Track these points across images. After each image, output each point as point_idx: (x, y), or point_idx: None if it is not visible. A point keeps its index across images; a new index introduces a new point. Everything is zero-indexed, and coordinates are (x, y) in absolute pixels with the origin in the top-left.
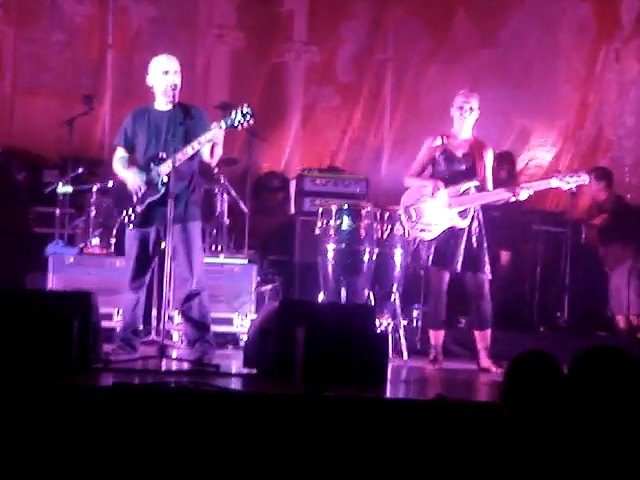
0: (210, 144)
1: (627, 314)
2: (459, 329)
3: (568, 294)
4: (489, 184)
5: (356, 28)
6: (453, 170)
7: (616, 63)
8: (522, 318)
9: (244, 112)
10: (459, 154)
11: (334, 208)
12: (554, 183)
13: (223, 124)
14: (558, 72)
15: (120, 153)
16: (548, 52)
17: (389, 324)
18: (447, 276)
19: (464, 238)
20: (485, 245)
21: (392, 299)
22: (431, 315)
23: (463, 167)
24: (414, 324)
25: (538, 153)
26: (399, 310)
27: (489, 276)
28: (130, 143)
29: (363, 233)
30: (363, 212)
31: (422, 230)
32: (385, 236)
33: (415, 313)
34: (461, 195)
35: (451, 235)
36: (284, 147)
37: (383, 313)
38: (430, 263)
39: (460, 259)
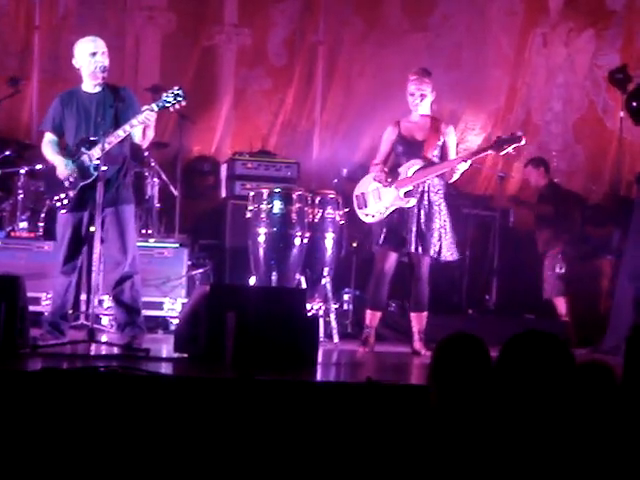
0: (142, 126)
1: (553, 297)
2: (389, 313)
3: (496, 277)
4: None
5: (287, 10)
6: (410, 153)
7: (544, 48)
8: (451, 301)
9: (175, 94)
10: (416, 137)
11: (265, 192)
12: (490, 150)
13: (155, 106)
14: (488, 57)
15: (49, 137)
16: (478, 37)
17: (320, 308)
18: (394, 257)
19: (414, 218)
20: (434, 224)
21: (323, 283)
22: (372, 295)
23: (418, 148)
24: (345, 308)
25: (467, 137)
26: (330, 294)
27: (434, 256)
28: (59, 128)
29: (294, 217)
30: (294, 196)
31: (372, 215)
32: (316, 220)
33: (346, 297)
34: (408, 176)
35: (400, 215)
36: (215, 130)
37: (314, 297)
38: (381, 242)
39: (409, 238)
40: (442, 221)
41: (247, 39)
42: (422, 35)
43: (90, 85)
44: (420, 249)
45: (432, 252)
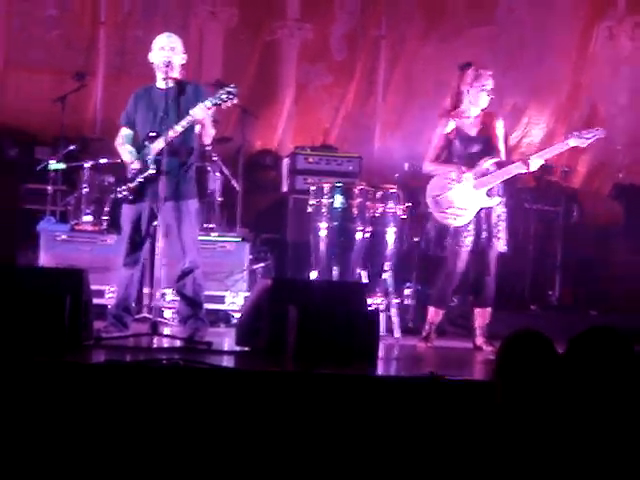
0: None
1: None
2: (451, 307)
3: (560, 273)
4: (502, 156)
5: (350, 5)
6: (469, 151)
7: (609, 41)
8: (514, 297)
9: (228, 91)
10: (473, 133)
11: (327, 186)
12: (572, 142)
13: (209, 102)
14: (552, 50)
15: (123, 132)
16: (542, 31)
17: (381, 302)
18: (467, 255)
19: (493, 215)
20: (504, 220)
21: (384, 277)
22: (438, 292)
23: (479, 146)
24: (406, 302)
25: (531, 131)
26: (391, 288)
27: (504, 249)
28: (132, 123)
29: (355, 211)
30: (356, 190)
31: (454, 218)
32: (378, 214)
33: (407, 292)
34: (485, 175)
35: (479, 216)
36: (277, 125)
37: (375, 291)
38: (458, 245)
39: (484, 234)
40: (504, 212)
41: (309, 34)
42: (486, 29)
43: (160, 81)
44: (494, 244)
45: (500, 246)
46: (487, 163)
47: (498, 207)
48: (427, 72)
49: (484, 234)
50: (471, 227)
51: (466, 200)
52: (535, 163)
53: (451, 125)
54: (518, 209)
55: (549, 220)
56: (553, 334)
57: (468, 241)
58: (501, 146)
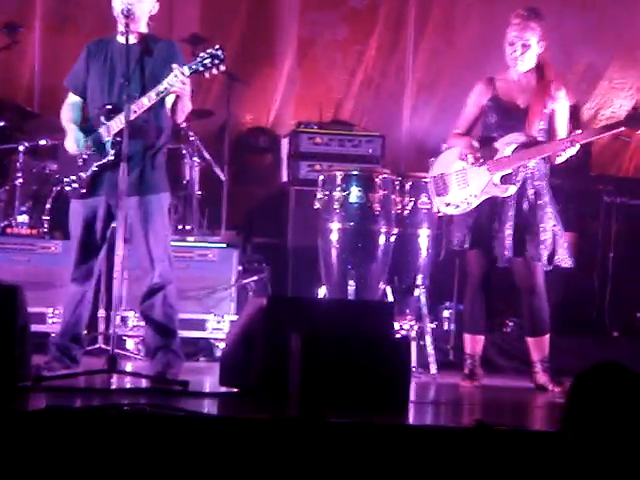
0: (172, 96)
1: None
2: (505, 334)
3: None
4: (562, 136)
5: None
6: (506, 123)
7: None
8: (590, 320)
9: (213, 54)
10: (514, 102)
11: (340, 175)
12: (628, 123)
13: (186, 70)
14: None
15: (71, 98)
16: None
17: (412, 327)
18: (486, 262)
19: (512, 212)
20: (544, 221)
21: (416, 295)
22: (467, 315)
23: (518, 118)
24: (445, 328)
25: (614, 99)
26: (425, 310)
27: (544, 263)
28: (82, 88)
29: (378, 208)
30: (378, 180)
31: (455, 205)
32: (407, 212)
33: (446, 313)
34: (505, 156)
35: (494, 208)
36: (273, 94)
37: (404, 313)
38: (467, 246)
39: (507, 240)
40: (554, 217)
41: None
42: None
43: (120, 35)
44: (527, 254)
45: (544, 257)
46: (508, 139)
47: (550, 207)
48: (470, 20)
49: (510, 240)
50: (487, 223)
51: (472, 184)
52: (574, 148)
53: (486, 91)
54: (595, 204)
55: (637, 218)
56: None
57: (482, 243)
58: (559, 124)
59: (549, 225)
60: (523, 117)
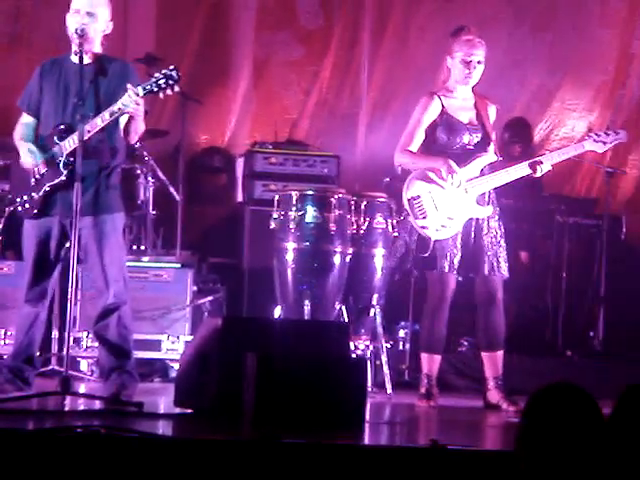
0: (125, 117)
1: None
2: (460, 354)
3: (604, 307)
4: (492, 152)
5: None
6: (460, 142)
7: None
8: (543, 339)
9: (167, 75)
10: (465, 119)
11: (295, 195)
12: (588, 146)
13: (140, 90)
14: (592, 13)
15: (24, 119)
16: None
17: (367, 347)
18: (454, 280)
19: (484, 230)
20: (502, 238)
21: (371, 314)
22: (426, 333)
23: (473, 136)
24: (400, 347)
25: (566, 120)
26: (381, 329)
27: (506, 275)
28: (36, 107)
29: (333, 228)
30: (333, 200)
31: (437, 229)
32: (362, 231)
33: (402, 333)
34: (478, 175)
35: (468, 228)
36: (228, 114)
37: (360, 333)
38: (445, 266)
39: (483, 258)
40: (502, 233)
41: None
42: None
43: (74, 54)
44: (497, 270)
45: (504, 270)
46: (481, 160)
47: (492, 220)
48: (426, 41)
49: (487, 257)
50: (459, 243)
51: (453, 207)
52: (545, 167)
53: (435, 106)
54: (547, 224)
55: (589, 238)
56: (595, 388)
57: (456, 261)
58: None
59: (502, 238)
60: (474, 137)
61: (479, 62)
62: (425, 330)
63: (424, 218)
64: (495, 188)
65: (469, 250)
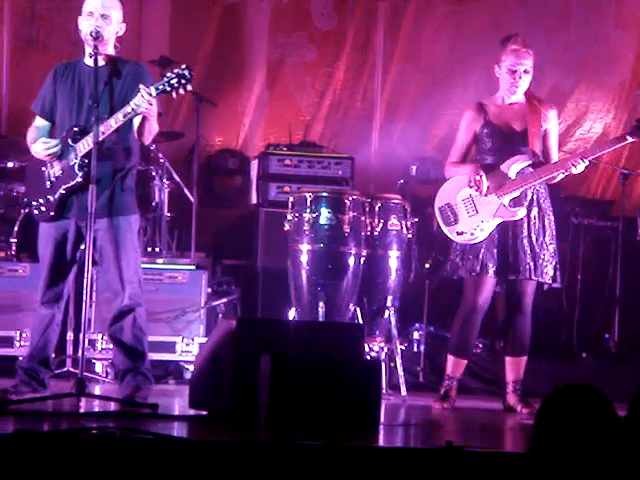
0: (139, 117)
1: None
2: (475, 355)
3: (619, 309)
4: (554, 156)
5: None
6: (504, 147)
7: None
8: (558, 341)
9: (180, 74)
10: (510, 125)
11: (309, 197)
12: (632, 138)
13: (153, 90)
14: (607, 14)
15: (37, 122)
16: None
17: (382, 349)
18: (491, 286)
19: (523, 233)
20: (547, 240)
21: (386, 316)
22: (457, 336)
23: (517, 141)
24: (415, 349)
25: (582, 122)
26: (395, 331)
27: (548, 281)
28: (50, 111)
29: (347, 229)
30: (347, 202)
31: (470, 233)
32: (376, 233)
33: (416, 335)
34: (512, 178)
35: (504, 231)
36: (243, 116)
37: (374, 335)
38: (477, 271)
39: (520, 261)
40: (552, 236)
41: None
42: None
43: (88, 57)
44: (533, 274)
45: (547, 277)
46: (516, 164)
47: (549, 227)
48: (439, 43)
49: (524, 261)
50: (495, 246)
51: (483, 211)
52: (581, 165)
53: (477, 116)
54: (563, 225)
55: (605, 240)
56: (611, 390)
57: (491, 264)
58: (552, 143)
59: (550, 243)
60: (520, 139)
61: (525, 71)
62: (455, 334)
63: (455, 224)
64: (535, 189)
65: (506, 253)
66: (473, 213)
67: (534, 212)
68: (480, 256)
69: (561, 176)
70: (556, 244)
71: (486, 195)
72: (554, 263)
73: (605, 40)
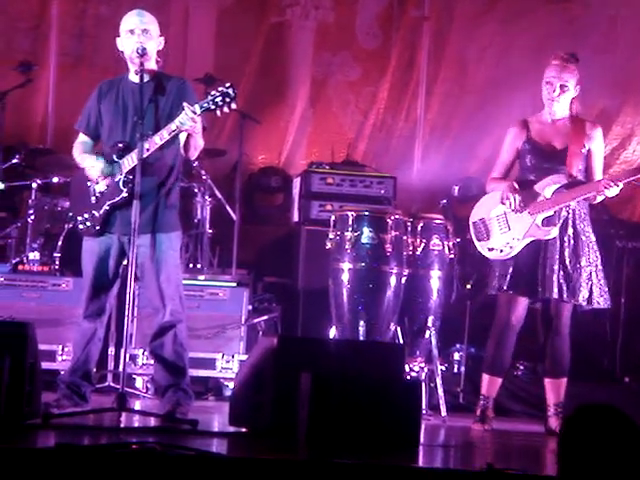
0: (185, 133)
1: None
2: (515, 378)
3: None
4: (598, 176)
5: None
6: (544, 165)
7: None
8: (601, 366)
9: (224, 92)
10: (551, 144)
11: (351, 215)
12: None
13: (197, 108)
14: None
15: (81, 138)
16: None
17: (422, 370)
18: (524, 305)
19: (556, 253)
20: (582, 261)
21: (427, 336)
22: (492, 355)
23: (556, 160)
24: (455, 370)
25: (627, 145)
26: (436, 351)
27: (583, 303)
28: (94, 128)
29: (389, 249)
30: (389, 221)
31: (499, 250)
32: (418, 253)
33: (457, 356)
34: (547, 198)
35: (534, 249)
36: (285, 134)
37: (415, 355)
38: (506, 286)
39: (550, 281)
40: (593, 257)
41: (329, 14)
42: (563, 6)
43: (133, 74)
44: (565, 295)
45: (581, 298)
46: (549, 187)
47: (587, 247)
48: (484, 63)
49: (555, 280)
50: (523, 266)
51: (515, 228)
52: (614, 188)
53: (520, 133)
54: (606, 248)
55: None
56: None
57: (522, 282)
58: (596, 164)
59: (585, 265)
60: (561, 158)
61: (562, 86)
62: (489, 352)
63: (487, 239)
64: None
65: (536, 272)
66: (505, 230)
67: (568, 232)
68: (509, 274)
69: (600, 197)
70: (598, 265)
71: (519, 212)
72: (590, 285)
73: None
